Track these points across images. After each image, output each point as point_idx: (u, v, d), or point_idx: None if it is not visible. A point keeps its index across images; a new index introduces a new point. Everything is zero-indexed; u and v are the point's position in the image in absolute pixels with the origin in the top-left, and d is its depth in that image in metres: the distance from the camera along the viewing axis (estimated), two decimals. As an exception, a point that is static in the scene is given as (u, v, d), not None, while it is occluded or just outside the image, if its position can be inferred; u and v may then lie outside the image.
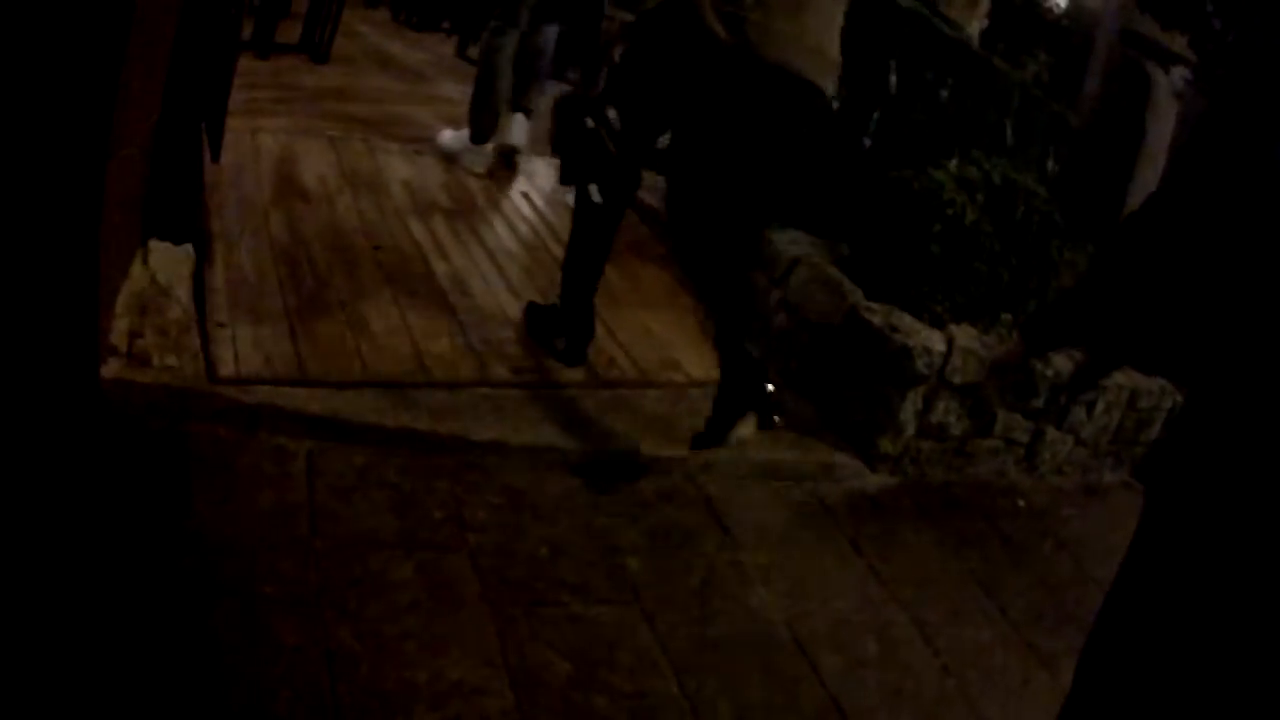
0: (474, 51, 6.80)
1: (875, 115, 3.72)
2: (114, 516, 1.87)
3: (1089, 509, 3.29)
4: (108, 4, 1.66)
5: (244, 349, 2.43)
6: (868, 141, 3.72)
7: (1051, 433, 3.25)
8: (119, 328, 2.31)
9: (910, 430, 2.94)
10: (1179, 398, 3.37)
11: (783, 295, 3.25)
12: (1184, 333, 1.25)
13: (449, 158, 3.99)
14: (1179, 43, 4.52)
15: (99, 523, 1.84)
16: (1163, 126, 4.73)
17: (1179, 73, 4.69)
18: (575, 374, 2.82)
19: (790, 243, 3.34)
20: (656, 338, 3.16)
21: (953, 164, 3.23)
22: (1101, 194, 4.28)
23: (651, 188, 3.28)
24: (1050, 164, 4.07)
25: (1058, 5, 5.30)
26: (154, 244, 2.60)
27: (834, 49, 2.42)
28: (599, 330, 2.91)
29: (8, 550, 1.63)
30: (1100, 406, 3.29)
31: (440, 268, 3.14)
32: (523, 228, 3.68)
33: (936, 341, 2.90)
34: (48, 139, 1.69)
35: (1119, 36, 4.82)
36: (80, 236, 1.83)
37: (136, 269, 2.53)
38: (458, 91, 5.74)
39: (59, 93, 1.66)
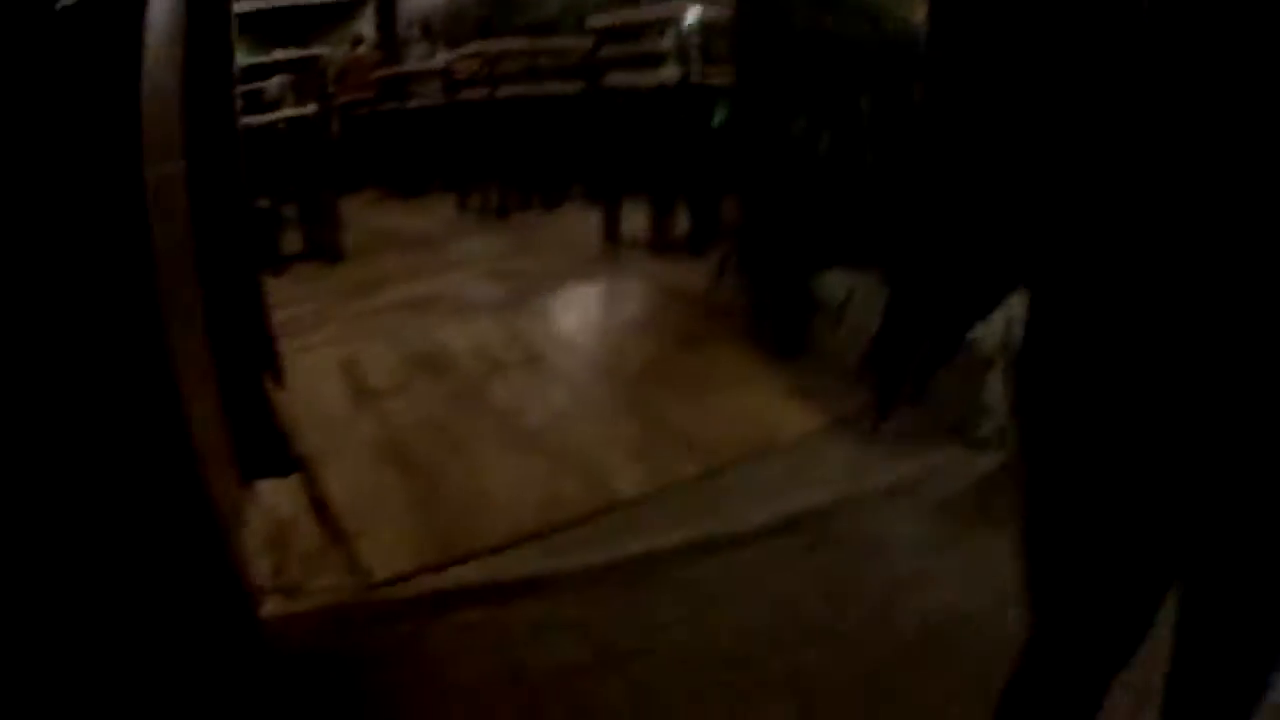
0: (474, 203, 6.98)
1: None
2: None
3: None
4: (132, 289, 1.66)
5: (389, 548, 2.50)
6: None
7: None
8: (263, 569, 2.37)
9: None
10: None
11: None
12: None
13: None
14: None
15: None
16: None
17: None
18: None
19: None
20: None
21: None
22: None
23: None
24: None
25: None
26: (261, 486, 2.69)
27: None
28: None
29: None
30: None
31: (529, 419, 3.23)
32: (587, 360, 3.78)
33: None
34: (133, 423, 1.69)
35: None
36: (189, 503, 1.81)
37: (254, 514, 2.61)
38: (477, 246, 5.94)
39: (123, 380, 1.67)
